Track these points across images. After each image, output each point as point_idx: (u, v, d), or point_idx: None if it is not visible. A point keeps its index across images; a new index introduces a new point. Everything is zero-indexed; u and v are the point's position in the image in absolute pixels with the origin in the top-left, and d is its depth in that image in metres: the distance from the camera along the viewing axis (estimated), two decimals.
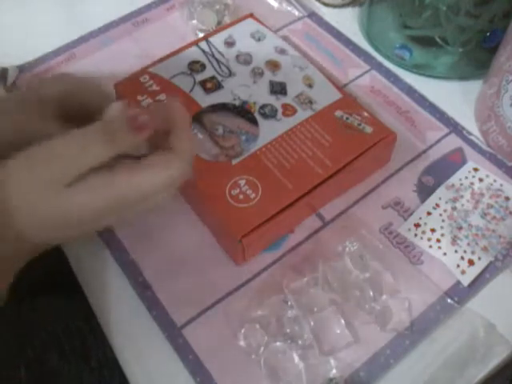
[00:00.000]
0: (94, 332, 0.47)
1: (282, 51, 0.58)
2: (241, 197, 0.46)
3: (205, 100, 0.53)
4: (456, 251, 0.48)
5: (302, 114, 0.52)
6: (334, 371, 0.42)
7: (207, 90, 0.54)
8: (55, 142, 0.34)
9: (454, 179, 0.53)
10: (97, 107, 0.40)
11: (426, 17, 0.56)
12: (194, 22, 0.65)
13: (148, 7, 0.69)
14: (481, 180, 0.53)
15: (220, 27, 0.61)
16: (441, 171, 0.53)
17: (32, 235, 0.35)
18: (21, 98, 0.42)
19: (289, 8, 0.69)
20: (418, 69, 0.62)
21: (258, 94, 0.54)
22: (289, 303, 0.45)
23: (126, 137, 0.35)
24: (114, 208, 0.35)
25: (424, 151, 0.55)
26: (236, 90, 0.54)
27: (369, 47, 0.65)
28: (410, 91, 0.60)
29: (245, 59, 0.57)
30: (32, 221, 0.34)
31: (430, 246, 0.48)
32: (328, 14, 0.69)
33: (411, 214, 0.51)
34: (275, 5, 0.69)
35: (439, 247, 0.48)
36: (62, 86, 0.42)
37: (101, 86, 0.43)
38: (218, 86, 0.55)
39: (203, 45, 0.58)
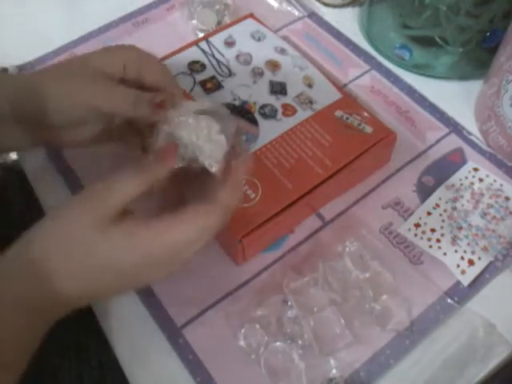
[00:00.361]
0: (95, 332, 0.47)
1: (282, 51, 0.58)
2: None
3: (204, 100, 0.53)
4: (456, 251, 0.48)
5: (302, 114, 0.52)
6: (334, 371, 0.42)
7: (207, 90, 0.54)
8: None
9: (454, 179, 0.53)
10: (153, 82, 0.42)
11: (426, 17, 0.56)
12: (194, 22, 0.65)
13: (148, 7, 0.69)
14: (481, 180, 0.53)
15: (220, 27, 0.61)
16: (441, 171, 0.53)
17: (68, 292, 0.35)
18: (83, 63, 0.43)
19: (289, 8, 0.69)
20: (418, 69, 0.62)
21: (258, 94, 0.54)
22: (289, 303, 0.45)
23: (153, 165, 0.36)
24: (150, 264, 0.35)
25: (424, 151, 0.55)
26: (236, 90, 0.54)
27: (369, 47, 0.65)
28: (410, 91, 0.60)
29: (245, 59, 0.57)
30: (69, 273, 0.34)
31: (430, 246, 0.48)
32: (328, 13, 0.69)
33: (411, 214, 0.51)
34: (275, 5, 0.69)
35: (439, 247, 0.48)
36: (124, 57, 0.43)
37: (164, 65, 0.45)
38: (217, 86, 0.55)
39: (203, 45, 0.58)
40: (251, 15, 0.62)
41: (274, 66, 0.57)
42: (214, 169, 0.38)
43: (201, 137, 0.38)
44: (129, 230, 0.35)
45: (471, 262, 0.47)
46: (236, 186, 0.37)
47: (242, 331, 0.44)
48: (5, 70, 0.61)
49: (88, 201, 0.35)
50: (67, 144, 0.48)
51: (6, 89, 0.42)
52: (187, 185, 0.39)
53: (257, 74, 0.56)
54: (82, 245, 0.34)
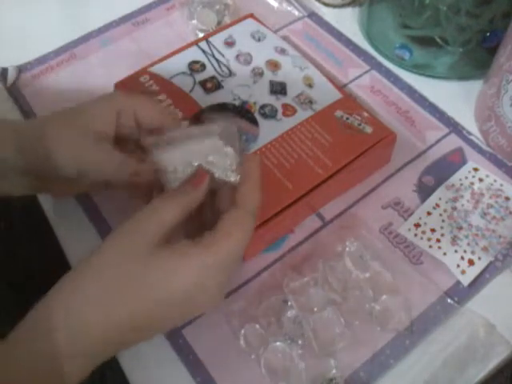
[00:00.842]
0: None
1: (282, 51, 0.58)
2: None
3: (205, 100, 0.53)
4: (456, 251, 0.48)
5: (302, 114, 0.52)
6: (334, 371, 0.42)
7: (207, 90, 0.54)
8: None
9: (454, 179, 0.53)
10: (150, 123, 0.43)
11: (426, 17, 0.56)
12: (194, 21, 0.65)
13: (148, 7, 0.69)
14: (481, 180, 0.53)
15: (220, 27, 0.61)
16: (441, 171, 0.53)
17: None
18: (80, 119, 0.43)
19: (289, 8, 0.69)
20: (417, 69, 0.62)
21: (258, 94, 0.54)
22: (289, 303, 0.45)
23: (188, 190, 0.36)
24: (204, 284, 0.34)
25: (424, 151, 0.55)
26: (236, 90, 0.54)
27: (369, 47, 0.65)
28: (410, 91, 0.60)
29: (245, 59, 0.57)
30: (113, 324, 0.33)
31: (430, 246, 0.48)
32: (328, 13, 0.69)
33: (411, 214, 0.51)
34: (275, 5, 0.69)
35: (439, 247, 0.48)
36: (117, 107, 0.43)
37: (159, 104, 0.46)
38: (218, 86, 0.55)
39: (203, 45, 0.58)
40: (251, 15, 0.62)
41: (274, 66, 0.57)
42: (233, 179, 0.38)
43: (209, 154, 0.38)
44: (180, 250, 0.34)
45: (471, 262, 0.47)
46: (255, 187, 0.37)
47: (242, 331, 0.44)
48: (5, 69, 0.61)
49: (128, 236, 0.34)
50: (68, 193, 0.49)
51: (8, 139, 0.42)
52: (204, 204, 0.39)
53: (257, 74, 0.56)
54: (129, 282, 0.33)
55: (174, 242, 0.35)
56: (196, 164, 0.38)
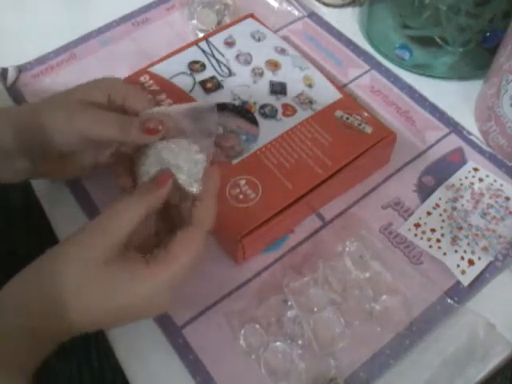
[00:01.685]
0: (95, 332, 0.47)
1: (282, 51, 0.58)
2: (241, 197, 0.46)
3: (205, 100, 0.53)
4: (456, 251, 0.48)
5: (302, 114, 0.52)
6: (334, 371, 0.42)
7: (207, 90, 0.54)
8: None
9: (454, 179, 0.53)
10: (139, 109, 0.43)
11: (426, 17, 0.56)
12: (194, 21, 0.65)
13: (148, 7, 0.69)
14: (481, 180, 0.53)
15: (220, 27, 0.61)
16: (441, 171, 0.53)
17: (76, 323, 0.36)
18: (73, 95, 0.44)
19: (289, 8, 0.69)
20: (417, 69, 0.62)
21: (258, 94, 0.54)
22: (289, 303, 0.45)
23: (150, 188, 0.37)
24: (153, 299, 0.37)
25: (424, 151, 0.55)
26: (236, 90, 0.54)
27: (369, 47, 0.65)
28: (410, 91, 0.60)
29: (245, 59, 0.57)
30: (78, 304, 0.35)
31: (430, 246, 0.48)
32: (328, 13, 0.69)
33: (411, 214, 0.51)
34: (275, 5, 0.69)
35: (439, 247, 0.48)
36: (109, 86, 0.44)
37: (141, 91, 0.46)
38: (218, 86, 0.55)
39: (203, 45, 0.58)
40: (251, 15, 0.62)
41: (274, 66, 0.57)
42: (195, 189, 0.39)
43: (180, 158, 0.39)
44: (131, 269, 0.36)
45: (471, 262, 0.47)
46: (213, 204, 0.38)
47: (242, 331, 0.44)
48: (5, 69, 0.61)
49: (95, 235, 0.36)
50: (67, 174, 0.50)
51: (8, 124, 0.43)
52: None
53: (257, 74, 0.56)
54: (90, 277, 0.35)
55: (134, 243, 0.37)
56: (163, 164, 0.39)
